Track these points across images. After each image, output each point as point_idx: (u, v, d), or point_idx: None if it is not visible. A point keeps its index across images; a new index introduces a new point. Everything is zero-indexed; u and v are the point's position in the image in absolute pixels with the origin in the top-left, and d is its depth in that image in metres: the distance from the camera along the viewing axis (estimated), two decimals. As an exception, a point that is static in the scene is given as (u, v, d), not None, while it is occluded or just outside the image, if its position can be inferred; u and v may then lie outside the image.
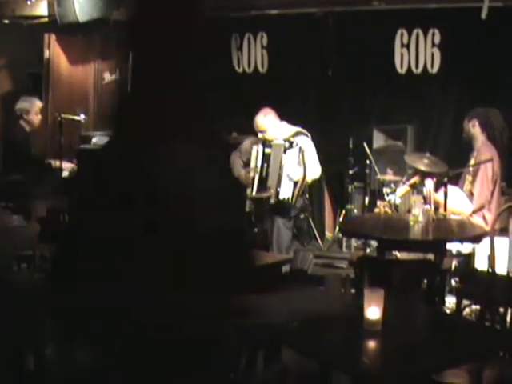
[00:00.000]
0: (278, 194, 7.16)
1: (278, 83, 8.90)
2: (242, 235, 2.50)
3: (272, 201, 7.20)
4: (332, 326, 3.46)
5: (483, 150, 6.64)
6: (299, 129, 7.45)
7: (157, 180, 2.22)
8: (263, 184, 7.28)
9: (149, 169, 2.23)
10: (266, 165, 7.29)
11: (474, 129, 6.75)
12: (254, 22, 9.06)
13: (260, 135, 7.33)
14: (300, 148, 7.15)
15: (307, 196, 7.73)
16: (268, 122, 7.30)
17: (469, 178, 6.65)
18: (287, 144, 7.18)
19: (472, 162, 6.70)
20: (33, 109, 8.30)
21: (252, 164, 7.41)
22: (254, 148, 7.39)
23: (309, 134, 7.44)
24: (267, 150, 7.29)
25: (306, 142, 7.30)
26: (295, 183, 7.16)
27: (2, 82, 10.44)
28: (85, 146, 8.66)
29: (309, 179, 7.34)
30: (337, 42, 8.62)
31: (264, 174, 7.29)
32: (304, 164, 7.18)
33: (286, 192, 7.15)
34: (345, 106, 8.77)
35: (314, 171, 7.36)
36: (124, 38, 2.43)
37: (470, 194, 6.57)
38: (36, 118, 8.35)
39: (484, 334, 3.51)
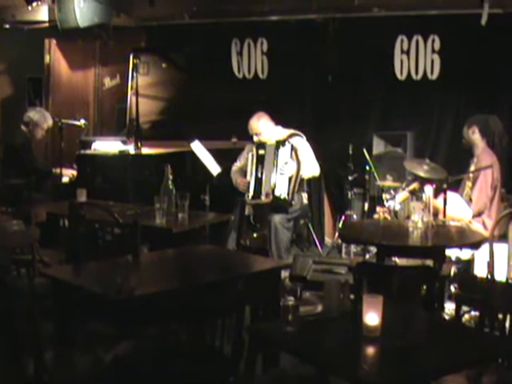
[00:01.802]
0: (273, 191, 7.21)
1: (278, 89, 8.91)
2: None
3: (269, 200, 7.24)
4: (331, 332, 3.47)
5: (483, 157, 6.65)
6: (293, 131, 7.52)
7: None
8: (259, 186, 7.33)
9: None
10: (260, 166, 7.36)
11: (474, 135, 6.76)
12: (254, 28, 9.07)
13: (255, 138, 7.40)
14: (292, 146, 7.23)
15: (307, 201, 7.75)
16: (262, 124, 7.39)
17: (469, 184, 6.66)
18: (281, 143, 7.26)
19: (472, 168, 6.71)
20: (42, 124, 8.32)
21: (248, 168, 7.47)
22: (250, 153, 7.47)
23: (303, 135, 7.49)
24: (261, 152, 7.37)
25: (299, 141, 7.38)
26: (290, 179, 7.21)
27: (2, 87, 10.46)
28: (85, 151, 8.67)
29: (305, 176, 7.39)
30: (337, 49, 8.63)
31: (259, 174, 7.35)
32: (297, 159, 7.23)
33: (281, 189, 7.20)
34: (344, 112, 8.78)
35: (312, 168, 7.42)
36: None
37: (470, 200, 6.58)
38: (40, 133, 8.37)
39: (483, 341, 3.51)
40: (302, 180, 7.42)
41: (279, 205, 7.25)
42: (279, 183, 7.23)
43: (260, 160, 7.38)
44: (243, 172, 7.61)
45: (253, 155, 7.43)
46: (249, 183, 7.41)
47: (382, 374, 3.04)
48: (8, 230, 5.80)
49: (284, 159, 7.22)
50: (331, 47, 8.65)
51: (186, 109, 9.44)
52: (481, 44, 7.75)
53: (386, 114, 8.61)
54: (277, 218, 7.19)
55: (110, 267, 4.53)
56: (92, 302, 3.99)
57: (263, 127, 7.40)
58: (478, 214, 6.53)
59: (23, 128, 8.25)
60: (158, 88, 9.68)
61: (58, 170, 8.18)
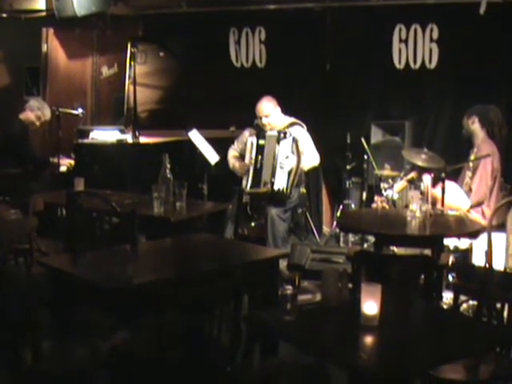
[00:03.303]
0: (272, 184, 7.20)
1: (276, 78, 8.89)
2: None
3: (267, 190, 7.23)
4: (329, 321, 3.47)
5: (483, 147, 6.64)
6: (294, 119, 7.50)
7: None
8: (258, 176, 7.32)
9: None
10: (260, 156, 7.35)
11: (474, 125, 6.75)
12: (252, 17, 9.05)
13: (265, 120, 7.34)
14: (293, 138, 7.21)
15: (304, 191, 7.74)
16: (272, 107, 7.38)
17: (469, 173, 6.65)
18: (281, 135, 7.23)
19: (472, 158, 6.70)
20: (36, 112, 8.28)
21: (247, 156, 7.46)
22: (249, 140, 7.45)
23: (304, 125, 7.48)
24: (261, 142, 7.36)
25: (300, 132, 7.36)
26: (289, 173, 7.20)
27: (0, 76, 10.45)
28: (82, 141, 8.65)
29: (306, 167, 7.39)
30: (335, 37, 8.62)
31: (258, 165, 7.34)
32: (298, 153, 7.22)
33: (280, 182, 7.19)
34: (343, 101, 8.77)
35: (312, 159, 7.41)
36: None
37: (470, 190, 6.57)
38: (38, 122, 8.33)
39: (481, 330, 3.51)
40: (301, 172, 7.41)
41: (277, 197, 7.24)
42: (278, 177, 7.21)
43: (260, 150, 7.36)
44: (241, 157, 7.60)
45: (252, 144, 7.42)
46: (247, 167, 7.40)
47: (380, 362, 3.04)
48: (6, 219, 5.79)
49: (285, 153, 7.20)
50: (329, 36, 8.65)
51: (184, 98, 9.43)
52: (479, 33, 7.73)
53: (384, 103, 8.61)
54: (273, 211, 7.19)
55: (107, 256, 4.53)
56: (90, 292, 3.98)
57: (273, 110, 7.39)
58: (478, 204, 6.52)
59: (21, 117, 8.23)
60: (156, 77, 9.67)
61: (55, 160, 8.17)
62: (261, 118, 7.39)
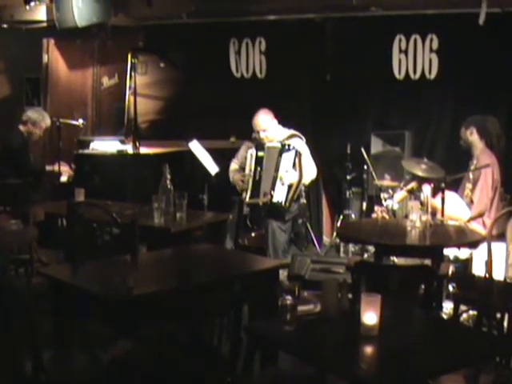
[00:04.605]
0: (272, 197, 7.19)
1: (276, 88, 8.90)
2: None
3: (266, 200, 7.23)
4: (329, 331, 3.47)
5: (483, 158, 6.63)
6: (293, 131, 7.50)
7: None
8: (257, 187, 7.31)
9: None
10: (259, 168, 7.33)
11: (472, 136, 6.75)
12: (252, 27, 9.07)
13: (262, 134, 7.34)
14: (296, 151, 7.19)
15: (305, 201, 7.75)
16: (269, 120, 7.37)
17: (469, 185, 6.64)
18: (286, 146, 7.22)
19: (472, 168, 6.69)
20: (40, 123, 8.29)
21: (247, 168, 7.45)
22: (249, 152, 7.44)
23: (303, 137, 7.48)
24: (260, 154, 7.35)
25: (299, 144, 7.35)
26: (289, 187, 7.20)
27: (0, 87, 10.46)
28: (83, 151, 8.67)
29: (306, 181, 7.39)
30: (335, 48, 8.63)
31: (257, 177, 7.32)
32: (300, 168, 7.22)
33: (279, 195, 7.18)
34: (343, 112, 8.77)
35: (311, 173, 7.41)
36: None
37: (471, 202, 6.56)
38: (38, 133, 8.33)
39: (481, 340, 3.52)
40: (301, 187, 7.41)
41: (276, 210, 7.24)
42: (278, 190, 7.20)
43: (258, 162, 7.35)
44: (241, 170, 7.59)
45: (252, 155, 7.41)
46: (247, 179, 7.40)
47: (380, 372, 3.04)
48: (6, 229, 5.80)
49: (286, 166, 7.19)
50: (329, 46, 8.65)
51: (184, 108, 9.44)
52: (479, 43, 7.74)
53: (384, 114, 8.61)
54: (275, 224, 7.19)
55: (108, 267, 4.53)
56: (90, 302, 3.99)
57: (270, 123, 7.38)
58: (479, 216, 6.51)
59: (21, 127, 8.24)
60: (156, 87, 9.67)
61: (55, 167, 8.18)
62: (258, 132, 7.38)
